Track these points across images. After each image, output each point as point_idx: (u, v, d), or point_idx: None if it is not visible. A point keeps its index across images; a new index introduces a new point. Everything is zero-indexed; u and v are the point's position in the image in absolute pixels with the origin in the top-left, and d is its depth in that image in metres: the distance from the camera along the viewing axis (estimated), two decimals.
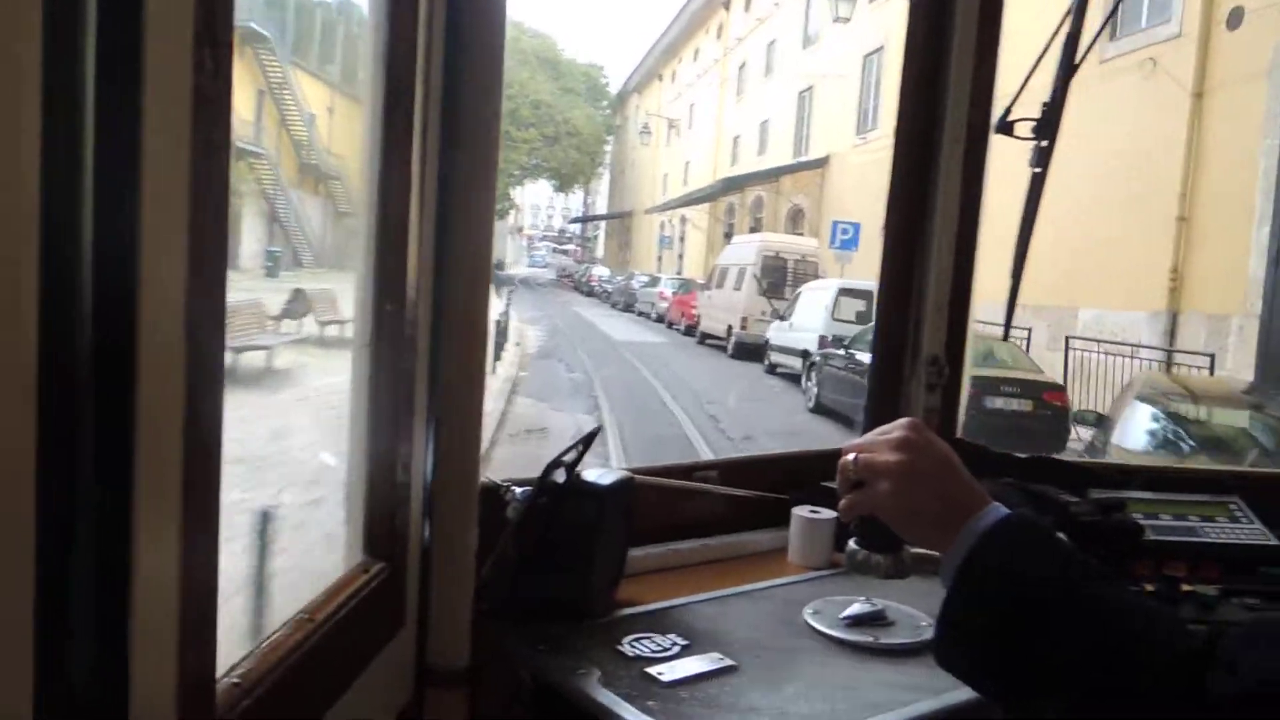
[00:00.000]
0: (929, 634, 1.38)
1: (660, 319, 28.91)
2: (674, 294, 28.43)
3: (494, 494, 1.36)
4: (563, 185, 60.72)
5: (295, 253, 17.29)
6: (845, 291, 16.27)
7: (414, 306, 1.17)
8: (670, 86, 49.45)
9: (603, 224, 70.26)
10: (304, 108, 17.56)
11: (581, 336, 23.72)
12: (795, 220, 27.73)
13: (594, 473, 1.38)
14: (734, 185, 31.36)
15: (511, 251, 77.90)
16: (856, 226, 20.42)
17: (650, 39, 52.93)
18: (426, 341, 1.21)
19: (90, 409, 0.55)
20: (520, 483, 1.38)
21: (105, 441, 0.56)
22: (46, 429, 0.52)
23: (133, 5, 0.55)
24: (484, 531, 1.31)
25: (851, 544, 1.13)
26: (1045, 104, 1.78)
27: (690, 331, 24.67)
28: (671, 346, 22.92)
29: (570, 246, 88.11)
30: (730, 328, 21.07)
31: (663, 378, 15.89)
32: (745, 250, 22.06)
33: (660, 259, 44.06)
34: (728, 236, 29.65)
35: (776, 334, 17.69)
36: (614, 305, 36.50)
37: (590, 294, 44.07)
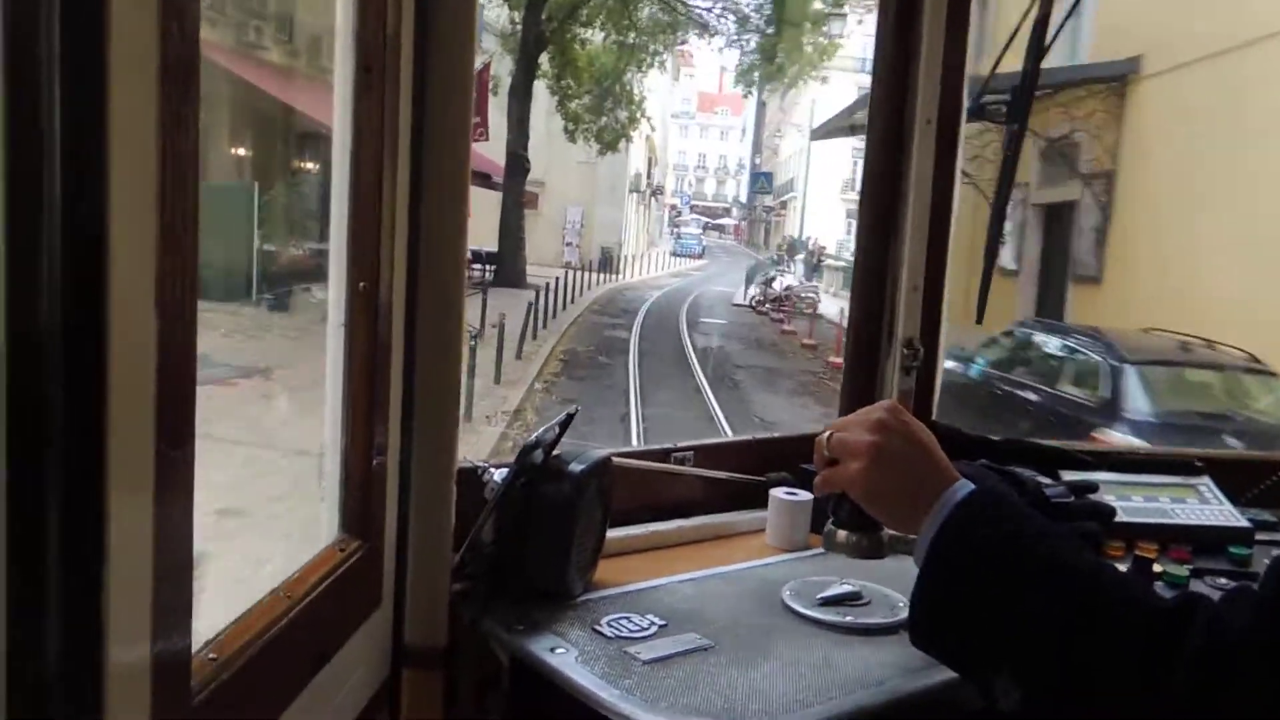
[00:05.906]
0: (905, 614, 1.39)
1: None
2: None
3: (472, 475, 1.36)
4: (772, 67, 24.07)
5: None
6: None
7: (388, 284, 1.16)
8: None
9: (855, 178, 26.16)
10: None
11: None
12: None
13: (572, 454, 1.38)
14: None
15: (636, 226, 38.65)
16: None
17: None
18: (402, 319, 1.21)
19: (61, 383, 0.54)
20: (498, 464, 1.38)
21: (76, 416, 0.55)
22: (15, 404, 0.52)
23: None
24: (462, 512, 1.30)
25: (829, 524, 1.14)
26: (1015, 88, 1.78)
27: None
28: None
29: (727, 221, 55.15)
30: None
31: None
32: None
33: None
34: None
35: None
36: None
37: None
